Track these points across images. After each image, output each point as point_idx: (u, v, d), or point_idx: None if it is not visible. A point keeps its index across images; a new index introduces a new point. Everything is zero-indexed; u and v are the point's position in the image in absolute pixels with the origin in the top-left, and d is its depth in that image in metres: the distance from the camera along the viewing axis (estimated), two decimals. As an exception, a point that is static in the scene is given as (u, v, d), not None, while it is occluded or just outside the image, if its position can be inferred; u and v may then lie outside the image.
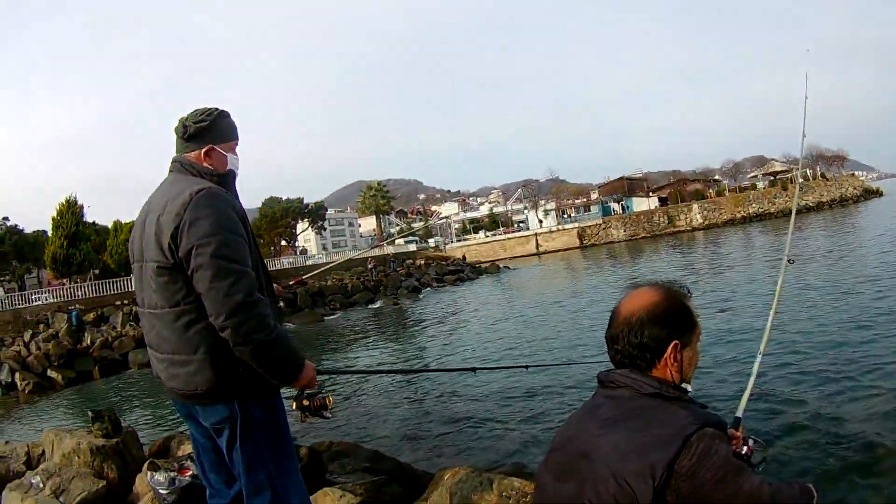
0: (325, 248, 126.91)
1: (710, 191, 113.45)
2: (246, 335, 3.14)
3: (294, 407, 3.59)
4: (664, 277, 2.42)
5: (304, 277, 9.21)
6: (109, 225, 73.19)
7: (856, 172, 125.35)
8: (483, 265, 76.22)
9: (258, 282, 3.39)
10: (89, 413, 7.45)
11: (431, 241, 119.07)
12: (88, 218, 66.15)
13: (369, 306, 48.25)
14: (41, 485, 6.35)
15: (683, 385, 2.26)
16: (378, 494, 5.97)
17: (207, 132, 3.59)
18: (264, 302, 3.27)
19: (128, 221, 72.55)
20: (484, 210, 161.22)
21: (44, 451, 7.64)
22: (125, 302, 42.92)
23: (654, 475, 1.89)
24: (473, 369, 5.38)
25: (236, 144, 3.72)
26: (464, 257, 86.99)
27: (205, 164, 3.58)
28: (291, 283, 8.89)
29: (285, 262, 74.80)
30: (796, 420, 9.19)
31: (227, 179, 3.61)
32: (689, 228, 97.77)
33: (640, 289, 2.37)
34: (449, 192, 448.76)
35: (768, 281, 24.29)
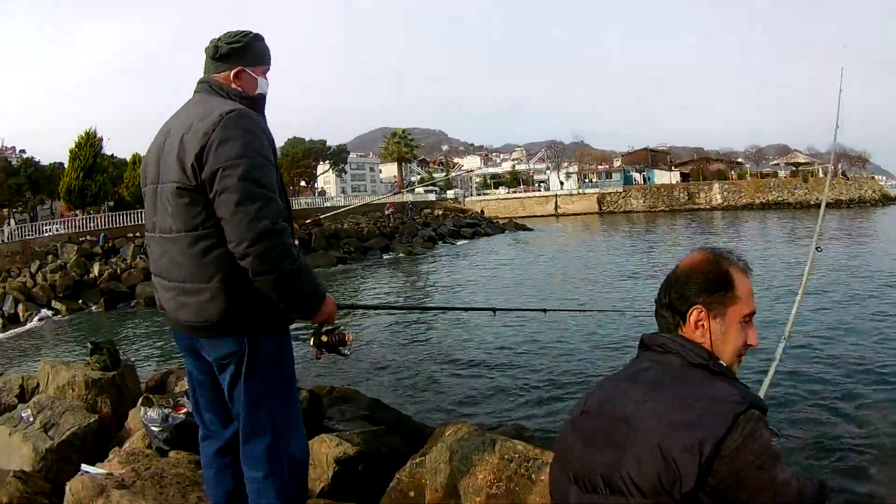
0: (343, 192, 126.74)
1: (732, 173, 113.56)
2: (272, 263, 2.99)
3: (312, 343, 3.45)
4: (687, 251, 2.25)
5: (320, 218, 9.13)
6: (128, 158, 73.29)
7: (875, 176, 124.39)
8: (501, 221, 76.06)
9: (284, 207, 3.28)
10: (88, 345, 7.34)
11: (451, 193, 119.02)
12: (108, 151, 66.28)
13: (384, 256, 48.21)
14: (31, 418, 6.23)
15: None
16: (376, 444, 5.85)
17: (239, 53, 3.44)
18: (289, 231, 3.12)
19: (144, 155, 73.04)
20: (506, 167, 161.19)
21: (38, 384, 7.54)
22: (138, 234, 42.89)
23: (702, 451, 1.75)
24: (493, 310, 5.34)
25: (268, 69, 3.58)
26: (482, 212, 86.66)
27: (233, 86, 3.42)
28: (308, 221, 8.76)
29: (303, 202, 74.78)
30: (813, 412, 9.03)
31: (257, 103, 3.45)
32: (707, 207, 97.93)
33: (693, 252, 2.24)
34: (473, 145, 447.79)
35: (792, 267, 24.28)
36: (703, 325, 2.08)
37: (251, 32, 3.51)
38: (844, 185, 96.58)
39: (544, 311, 6.47)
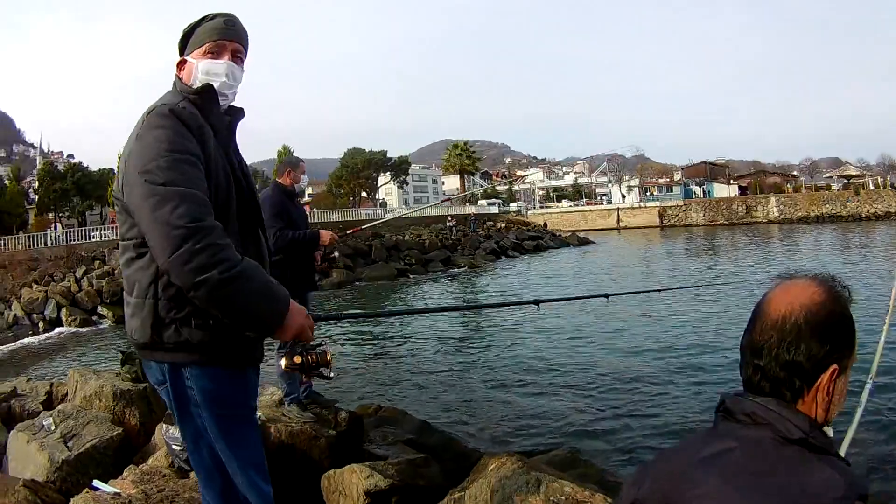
0: (406, 203, 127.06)
1: (788, 186, 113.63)
2: (197, 271, 2.46)
3: (284, 365, 2.95)
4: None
5: (362, 227, 8.77)
6: None
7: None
8: (563, 234, 74.97)
9: (227, 219, 2.82)
10: (119, 354, 7.12)
11: (514, 206, 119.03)
12: None
13: (446, 269, 47.39)
14: (52, 427, 6.06)
15: (825, 429, 1.52)
16: (413, 476, 5.56)
17: (184, 42, 3.14)
18: (218, 229, 2.58)
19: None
20: (568, 180, 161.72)
21: (67, 392, 7.39)
22: None
23: None
24: (537, 302, 4.76)
25: (214, 47, 3.06)
26: (545, 224, 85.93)
27: (179, 78, 3.11)
28: (349, 231, 8.47)
29: (364, 213, 74.89)
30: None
31: (204, 95, 2.98)
32: (765, 220, 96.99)
33: (796, 281, 1.61)
34: (535, 158, 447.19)
35: (870, 287, 22.02)
36: (827, 389, 1.51)
37: (207, 14, 3.13)
38: (893, 196, 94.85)
39: (606, 296, 6.03)
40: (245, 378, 2.97)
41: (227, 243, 2.56)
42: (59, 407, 6.67)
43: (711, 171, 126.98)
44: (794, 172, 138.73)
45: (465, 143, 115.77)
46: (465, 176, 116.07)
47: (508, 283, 33.50)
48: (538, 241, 65.52)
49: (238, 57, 3.12)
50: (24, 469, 5.72)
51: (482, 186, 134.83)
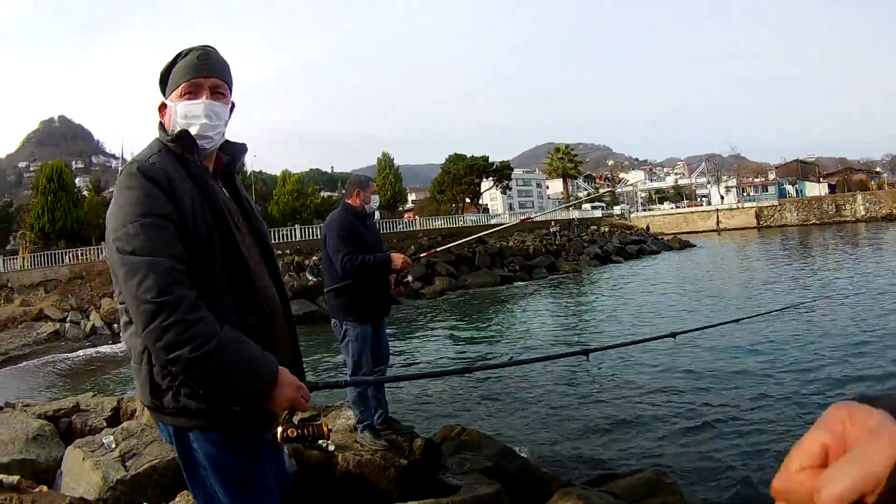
0: (511, 208, 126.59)
1: (872, 183, 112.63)
2: (166, 350, 2.32)
3: (279, 438, 2.71)
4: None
5: (437, 250, 8.49)
6: (278, 174, 74.97)
7: None
8: (665, 237, 73.67)
9: (211, 274, 2.58)
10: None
11: (617, 209, 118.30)
12: (255, 167, 68.02)
13: (550, 275, 46.24)
14: (113, 445, 5.90)
15: None
16: None
17: (165, 83, 2.90)
18: (187, 301, 2.36)
19: (296, 172, 74.02)
20: (669, 181, 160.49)
21: (136, 409, 7.34)
22: (287, 252, 43.94)
23: None
24: (586, 353, 4.26)
25: (189, 87, 2.79)
26: (647, 227, 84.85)
27: (162, 124, 2.88)
28: (421, 255, 8.20)
29: (468, 219, 74.73)
30: None
31: (181, 142, 2.71)
32: (852, 219, 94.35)
33: None
34: (637, 160, 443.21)
35: None
36: None
37: (181, 51, 2.87)
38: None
39: (736, 321, 5.65)
40: (255, 444, 2.73)
41: (197, 318, 2.35)
42: (125, 424, 6.56)
43: (802, 170, 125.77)
44: (877, 168, 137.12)
45: (567, 146, 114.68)
46: (568, 180, 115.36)
47: (610, 292, 32.46)
48: (641, 244, 64.36)
49: (219, 93, 2.85)
50: (77, 486, 5.56)
51: (585, 190, 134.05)
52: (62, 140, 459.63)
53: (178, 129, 2.74)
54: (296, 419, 2.73)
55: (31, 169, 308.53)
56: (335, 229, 6.56)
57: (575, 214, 77.33)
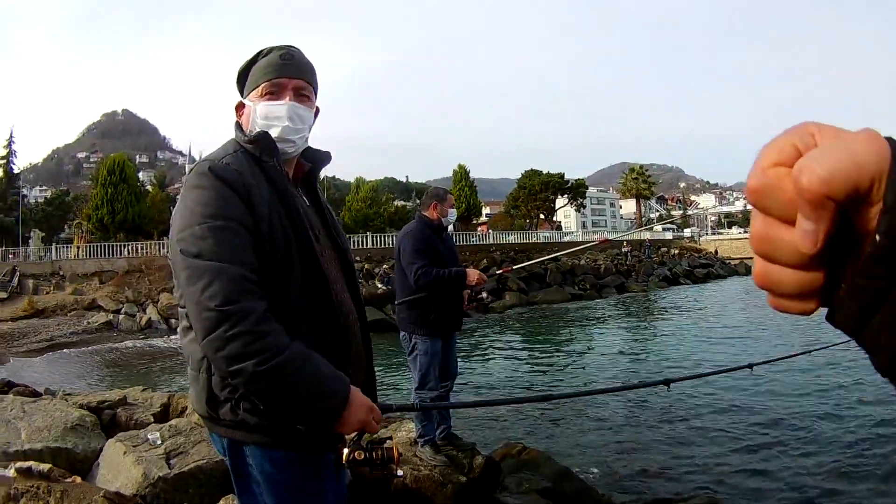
0: (584, 226, 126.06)
1: None
2: (229, 361, 2.14)
3: (345, 459, 2.52)
4: None
5: (513, 268, 8.38)
6: (352, 180, 75.21)
7: None
8: (733, 262, 73.14)
9: (290, 285, 2.39)
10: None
11: (687, 232, 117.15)
12: (329, 172, 68.22)
13: (619, 294, 46.14)
14: (158, 441, 5.65)
15: None
16: None
17: (243, 83, 2.71)
18: (257, 313, 2.18)
19: (371, 179, 74.26)
20: (738, 206, 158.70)
21: (188, 406, 7.24)
22: (357, 259, 43.01)
23: None
24: (667, 383, 4.20)
25: (271, 87, 2.59)
26: (716, 251, 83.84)
27: (239, 124, 2.69)
28: (497, 272, 8.10)
29: (542, 235, 74.44)
30: None
31: (260, 143, 2.51)
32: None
33: None
34: (708, 183, 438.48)
35: None
36: None
37: (262, 50, 2.67)
38: None
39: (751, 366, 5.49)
40: (316, 463, 2.52)
41: (266, 330, 2.17)
42: (173, 421, 6.34)
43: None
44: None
45: (641, 166, 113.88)
46: (641, 200, 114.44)
47: (679, 316, 31.77)
48: (709, 268, 63.95)
49: (303, 95, 2.63)
50: (114, 480, 5.30)
51: (658, 212, 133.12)
52: (126, 133, 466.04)
53: (258, 130, 2.55)
54: (364, 440, 2.54)
55: (91, 160, 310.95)
56: (410, 241, 6.46)
57: (646, 235, 76.62)
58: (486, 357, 19.83)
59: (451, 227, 7.16)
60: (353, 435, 2.51)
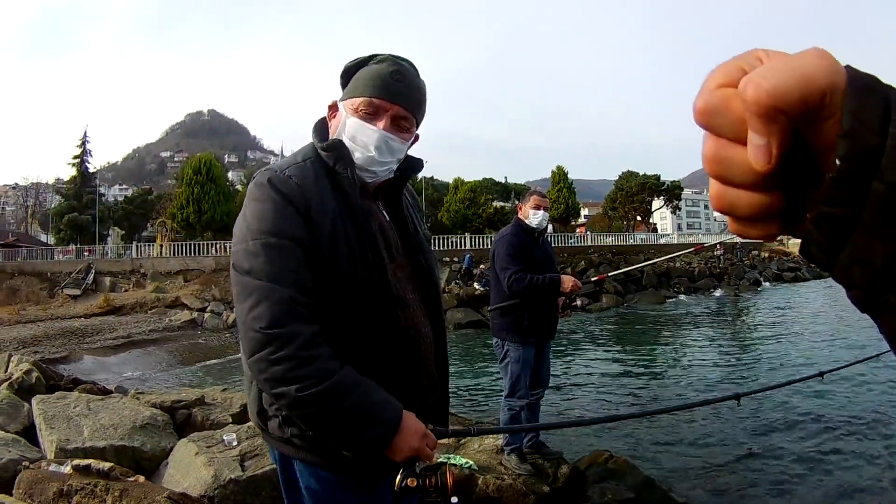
0: (679, 228, 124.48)
1: None
2: (271, 384, 2.03)
3: (396, 487, 2.25)
4: None
5: (608, 275, 8.01)
6: (450, 181, 75.15)
7: None
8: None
9: (350, 307, 2.18)
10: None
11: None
12: (427, 173, 68.16)
13: (712, 293, 45.74)
14: (234, 443, 5.44)
15: None
16: None
17: (343, 80, 2.37)
18: (303, 337, 2.02)
19: (469, 180, 74.04)
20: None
21: None
22: (454, 259, 43.21)
23: None
24: (737, 398, 3.84)
25: (368, 107, 2.24)
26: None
27: (329, 123, 2.40)
28: (593, 279, 7.76)
29: (638, 237, 73.59)
30: None
31: (334, 153, 2.25)
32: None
33: None
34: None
35: None
36: None
37: (377, 55, 2.32)
38: None
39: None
40: (370, 488, 2.37)
41: (312, 355, 2.03)
42: (252, 423, 5.99)
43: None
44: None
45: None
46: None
47: (766, 318, 30.75)
48: (796, 272, 62.22)
49: (402, 127, 2.30)
50: (183, 480, 5.09)
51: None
52: (213, 133, 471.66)
53: (337, 138, 2.29)
54: (419, 466, 2.26)
55: (176, 159, 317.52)
56: (504, 246, 6.20)
57: (737, 238, 75.13)
58: (576, 362, 19.29)
59: (549, 228, 6.87)
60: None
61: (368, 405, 2.08)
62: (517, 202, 7.02)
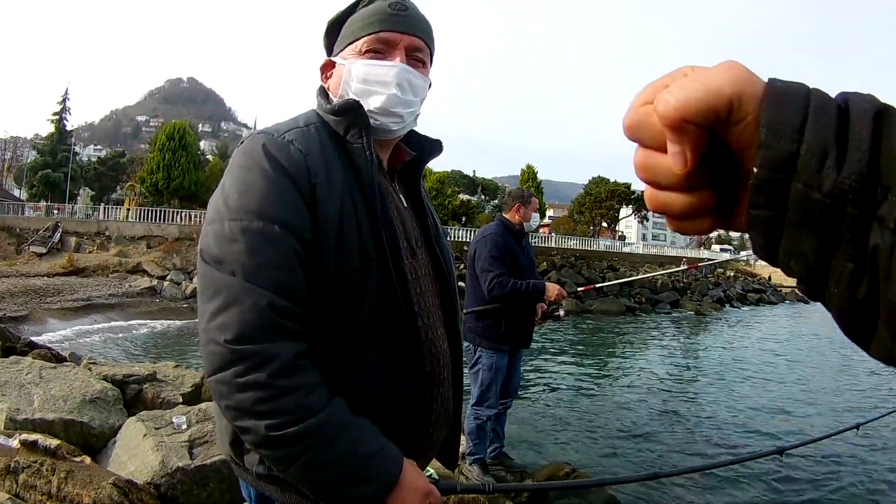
0: (644, 238, 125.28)
1: None
2: (233, 414, 1.54)
3: None
4: None
5: (596, 286, 7.75)
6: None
7: None
8: (784, 290, 72.21)
9: (359, 315, 1.69)
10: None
11: (744, 254, 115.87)
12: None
13: (672, 311, 45.20)
14: (184, 426, 5.01)
15: None
16: None
17: (333, 37, 1.98)
18: (283, 357, 1.52)
19: (436, 171, 74.58)
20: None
21: None
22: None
23: None
24: (780, 452, 3.67)
25: (376, 43, 1.83)
26: (769, 277, 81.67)
27: (324, 85, 1.99)
28: (580, 289, 7.49)
29: (602, 243, 73.96)
30: None
31: (346, 117, 1.79)
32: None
33: None
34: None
35: None
36: None
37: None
38: None
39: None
40: None
41: (290, 385, 1.53)
42: (204, 405, 5.61)
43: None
44: None
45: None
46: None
47: (732, 342, 30.34)
48: (761, 294, 63.11)
49: (418, 59, 1.90)
50: (129, 463, 4.67)
51: (718, 231, 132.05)
52: (190, 101, 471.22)
53: (352, 95, 1.83)
54: None
55: (152, 124, 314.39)
56: (487, 246, 5.90)
57: (705, 254, 75.92)
58: (544, 369, 19.02)
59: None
60: None
61: (359, 457, 1.60)
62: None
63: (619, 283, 8.46)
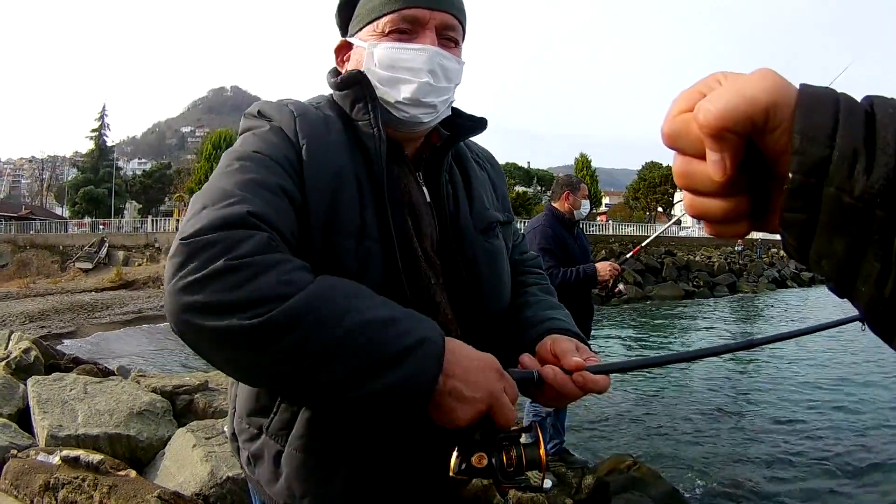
0: (698, 222, 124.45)
1: None
2: (202, 316, 1.09)
3: (452, 471, 1.23)
4: None
5: (642, 245, 7.43)
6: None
7: None
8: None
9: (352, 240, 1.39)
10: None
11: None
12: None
13: (731, 295, 44.08)
14: None
15: None
16: None
17: (347, 15, 1.69)
18: (258, 237, 1.15)
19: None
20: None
21: None
22: None
23: None
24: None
25: (400, 22, 1.54)
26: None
27: (338, 68, 1.72)
28: (628, 255, 7.21)
29: (659, 229, 73.16)
30: None
31: (353, 88, 1.57)
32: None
33: None
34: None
35: None
36: None
37: None
38: None
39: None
40: None
41: (268, 260, 1.14)
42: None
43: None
44: None
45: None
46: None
47: (791, 324, 29.86)
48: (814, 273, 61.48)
49: (450, 38, 1.60)
50: (178, 474, 4.56)
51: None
52: (234, 109, 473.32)
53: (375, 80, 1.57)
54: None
55: (197, 134, 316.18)
56: (536, 238, 5.66)
57: (759, 235, 75.04)
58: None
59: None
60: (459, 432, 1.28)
61: (379, 324, 1.17)
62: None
63: (653, 239, 8.06)
